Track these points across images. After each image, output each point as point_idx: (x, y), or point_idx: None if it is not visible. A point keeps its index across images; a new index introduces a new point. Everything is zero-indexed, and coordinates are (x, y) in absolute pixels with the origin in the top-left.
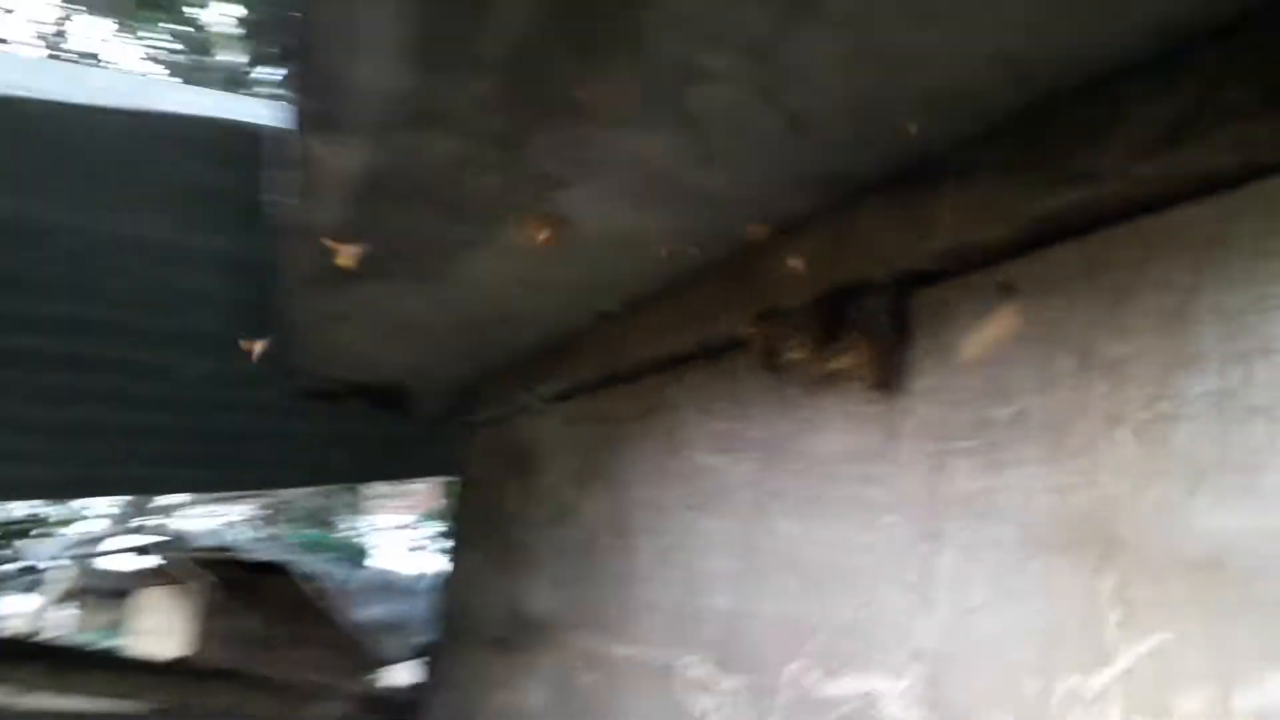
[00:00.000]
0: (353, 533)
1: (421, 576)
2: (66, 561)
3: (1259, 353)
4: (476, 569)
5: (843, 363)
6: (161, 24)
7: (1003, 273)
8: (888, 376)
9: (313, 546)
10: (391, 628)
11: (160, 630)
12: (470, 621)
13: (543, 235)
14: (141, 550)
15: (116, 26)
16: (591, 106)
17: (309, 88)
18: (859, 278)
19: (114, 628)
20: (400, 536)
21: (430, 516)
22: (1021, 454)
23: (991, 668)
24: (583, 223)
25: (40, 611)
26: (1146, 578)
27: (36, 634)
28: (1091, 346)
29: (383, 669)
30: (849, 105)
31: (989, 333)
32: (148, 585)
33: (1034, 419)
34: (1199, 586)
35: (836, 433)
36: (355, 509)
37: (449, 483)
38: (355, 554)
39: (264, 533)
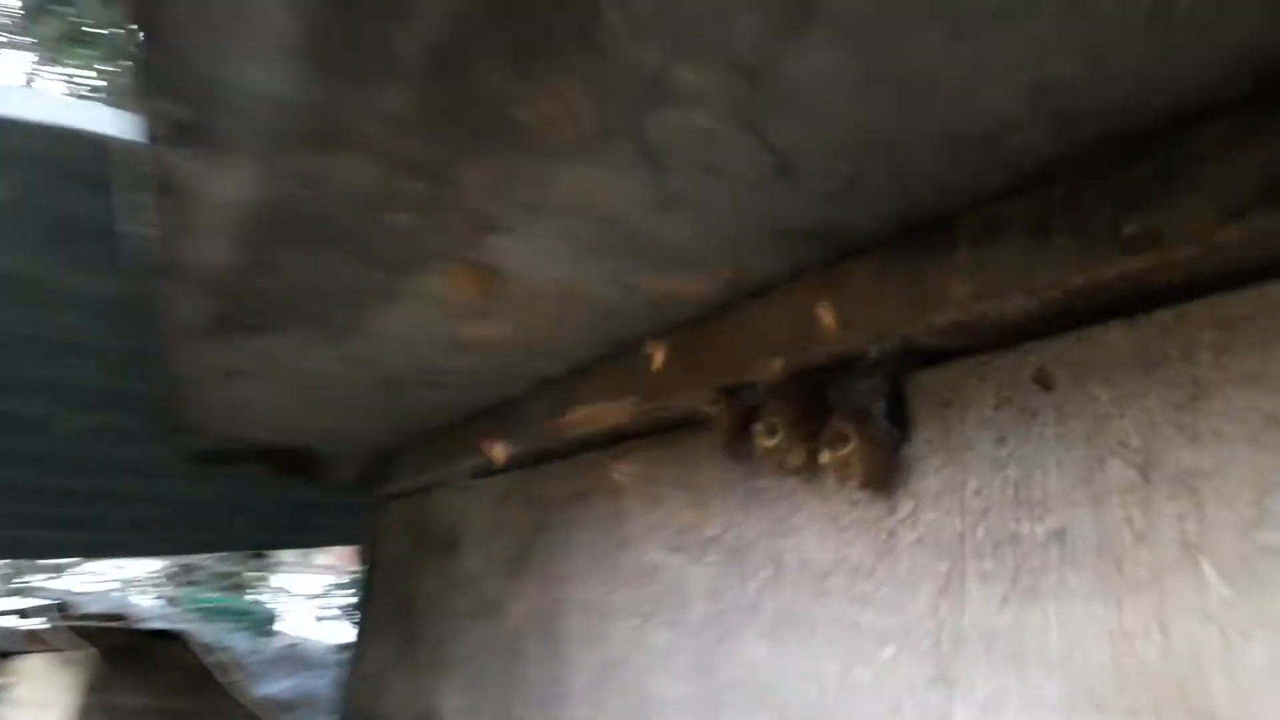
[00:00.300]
0: (261, 599)
1: (335, 648)
2: None
3: None
4: (384, 663)
5: (826, 455)
6: (88, 58)
7: (1034, 356)
8: (883, 474)
9: (216, 613)
10: (300, 704)
11: (39, 703)
12: None
13: (472, 288)
14: (21, 614)
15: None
16: (534, 131)
17: (172, 89)
18: (849, 352)
19: None
20: (313, 603)
21: (347, 583)
22: (1066, 583)
23: None
24: (520, 274)
25: None
26: None
27: None
28: (1155, 454)
29: None
30: (851, 142)
31: (1010, 428)
32: (27, 651)
33: (1079, 541)
34: None
35: (817, 538)
36: (265, 572)
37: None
38: (263, 622)
39: (162, 596)
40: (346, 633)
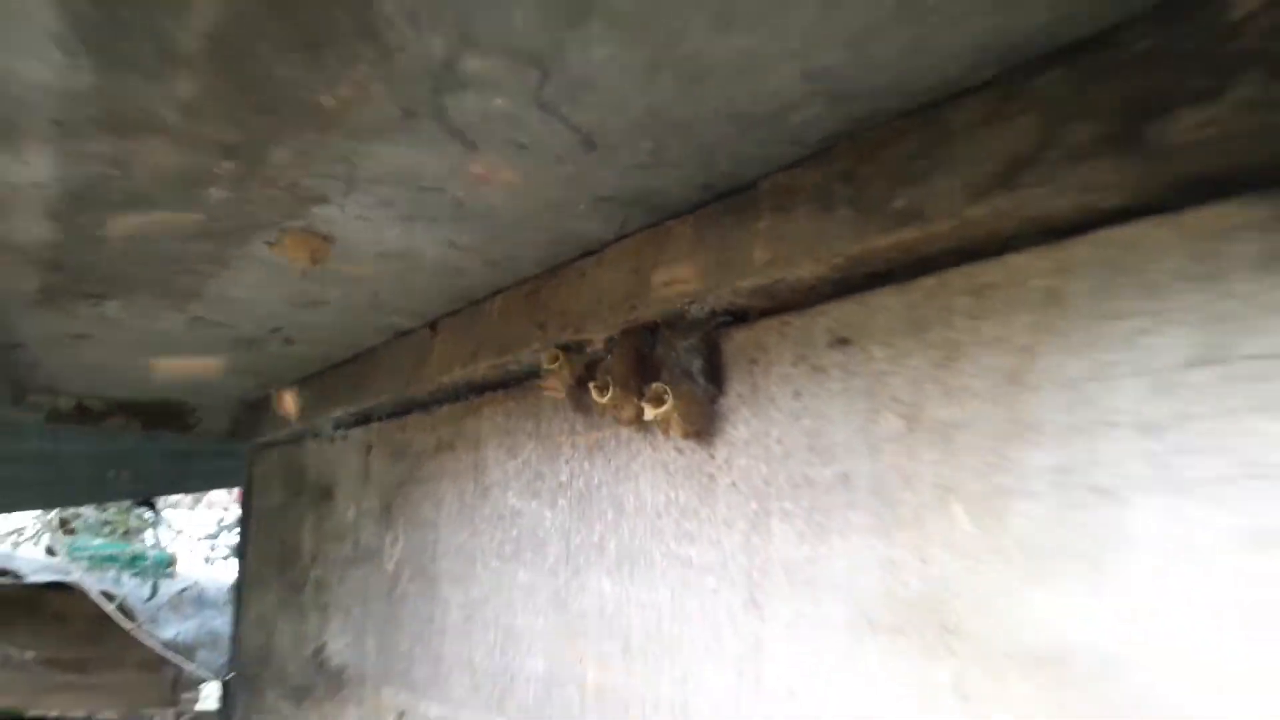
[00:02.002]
0: (151, 543)
1: (231, 586)
2: None
3: (1101, 426)
4: (270, 609)
5: (649, 411)
6: None
7: (826, 319)
8: (700, 426)
9: (106, 560)
10: (203, 644)
11: None
12: (266, 668)
13: (304, 254)
14: None
15: None
16: (335, 113)
17: None
18: (667, 312)
19: None
20: (206, 543)
21: (237, 523)
22: (849, 521)
23: None
24: (351, 240)
25: None
26: (986, 671)
27: None
28: (920, 408)
29: (197, 688)
30: (648, 121)
31: (807, 385)
32: None
33: (859, 484)
34: (1042, 686)
35: (650, 484)
36: (153, 515)
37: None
38: (157, 566)
39: (48, 548)
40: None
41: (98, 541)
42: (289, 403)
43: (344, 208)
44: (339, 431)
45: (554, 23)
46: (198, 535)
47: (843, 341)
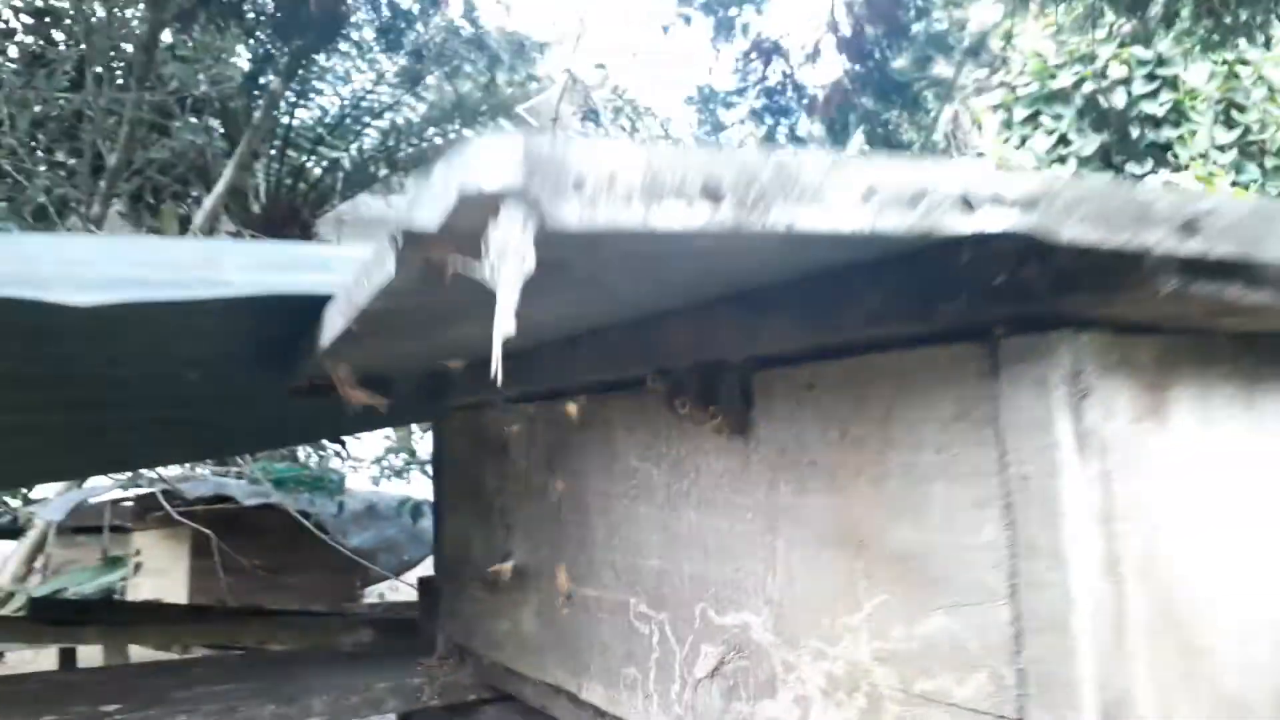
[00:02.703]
0: (328, 467)
1: (402, 501)
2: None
3: None
4: (463, 528)
5: (710, 419)
6: None
7: (807, 374)
8: (742, 427)
9: (295, 483)
10: (381, 550)
11: (159, 570)
12: (463, 567)
13: None
14: (137, 500)
15: None
16: None
17: None
18: (720, 358)
19: (109, 565)
20: (373, 465)
21: (395, 448)
22: (814, 485)
23: (805, 611)
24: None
25: (31, 551)
26: (877, 565)
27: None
28: (848, 426)
29: (376, 586)
30: None
31: (800, 408)
32: (143, 529)
33: (822, 465)
34: (897, 570)
35: (715, 457)
36: (337, 448)
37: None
38: (336, 485)
39: (243, 475)
40: (406, 489)
41: (281, 465)
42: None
43: None
44: (508, 404)
45: None
46: (368, 459)
47: (810, 387)
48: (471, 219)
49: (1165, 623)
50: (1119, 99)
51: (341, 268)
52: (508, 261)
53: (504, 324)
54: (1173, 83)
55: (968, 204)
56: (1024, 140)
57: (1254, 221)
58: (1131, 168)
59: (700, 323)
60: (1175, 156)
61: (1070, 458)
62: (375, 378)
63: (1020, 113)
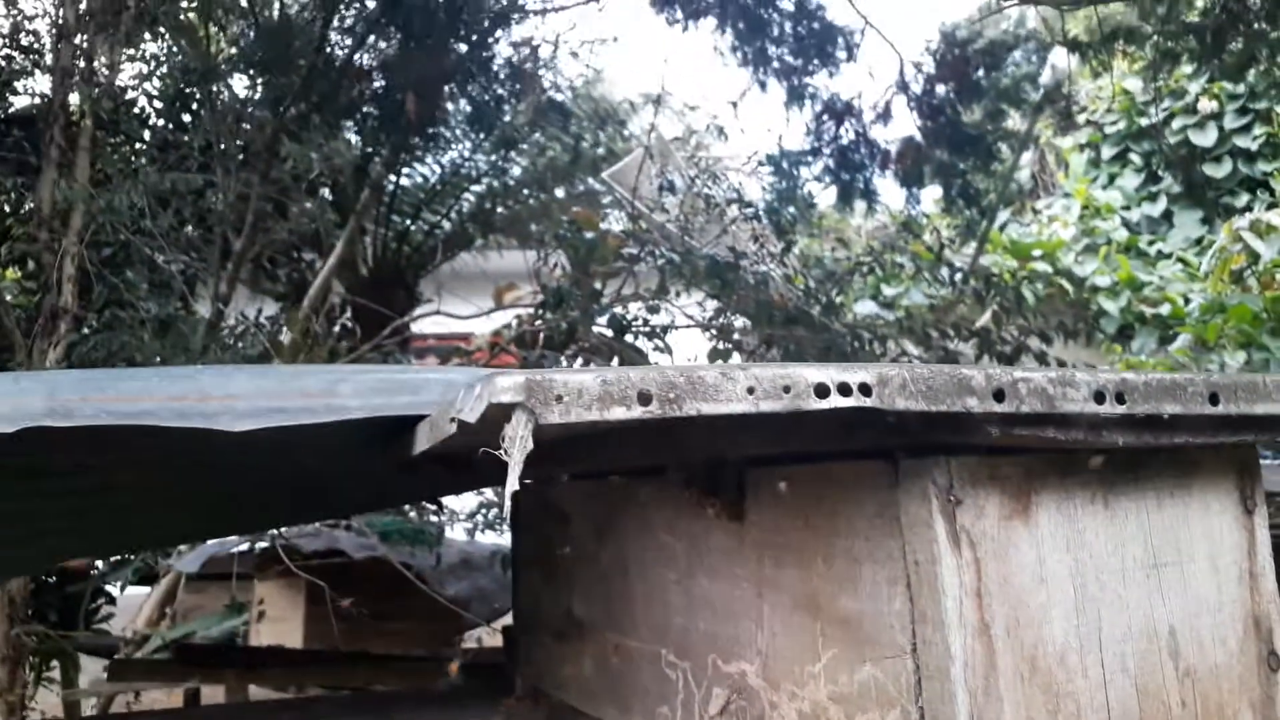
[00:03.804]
0: (426, 520)
1: (493, 552)
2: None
3: None
4: (536, 585)
5: (712, 508)
6: None
7: (782, 474)
8: (738, 514)
9: (397, 534)
10: (474, 599)
11: (278, 617)
12: (536, 619)
13: None
14: (260, 552)
15: None
16: None
17: None
18: (721, 456)
19: (233, 610)
20: (468, 519)
21: (488, 504)
22: (788, 561)
23: (783, 661)
24: None
25: (163, 597)
26: (830, 626)
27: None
28: (809, 516)
29: (471, 631)
30: None
31: (778, 501)
32: (265, 579)
33: (792, 546)
34: (842, 630)
35: (719, 535)
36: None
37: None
38: (434, 537)
39: (351, 527)
40: (496, 541)
41: (386, 519)
42: None
43: None
44: (567, 480)
45: None
46: (462, 513)
47: (784, 484)
48: (495, 417)
49: (1031, 672)
50: (1210, 135)
51: (428, 391)
52: (515, 445)
53: (512, 484)
54: (1266, 116)
55: (823, 390)
56: (1112, 179)
57: (1053, 385)
58: (1227, 202)
59: (707, 428)
60: (1272, 193)
61: (946, 548)
62: (458, 457)
63: (1108, 151)
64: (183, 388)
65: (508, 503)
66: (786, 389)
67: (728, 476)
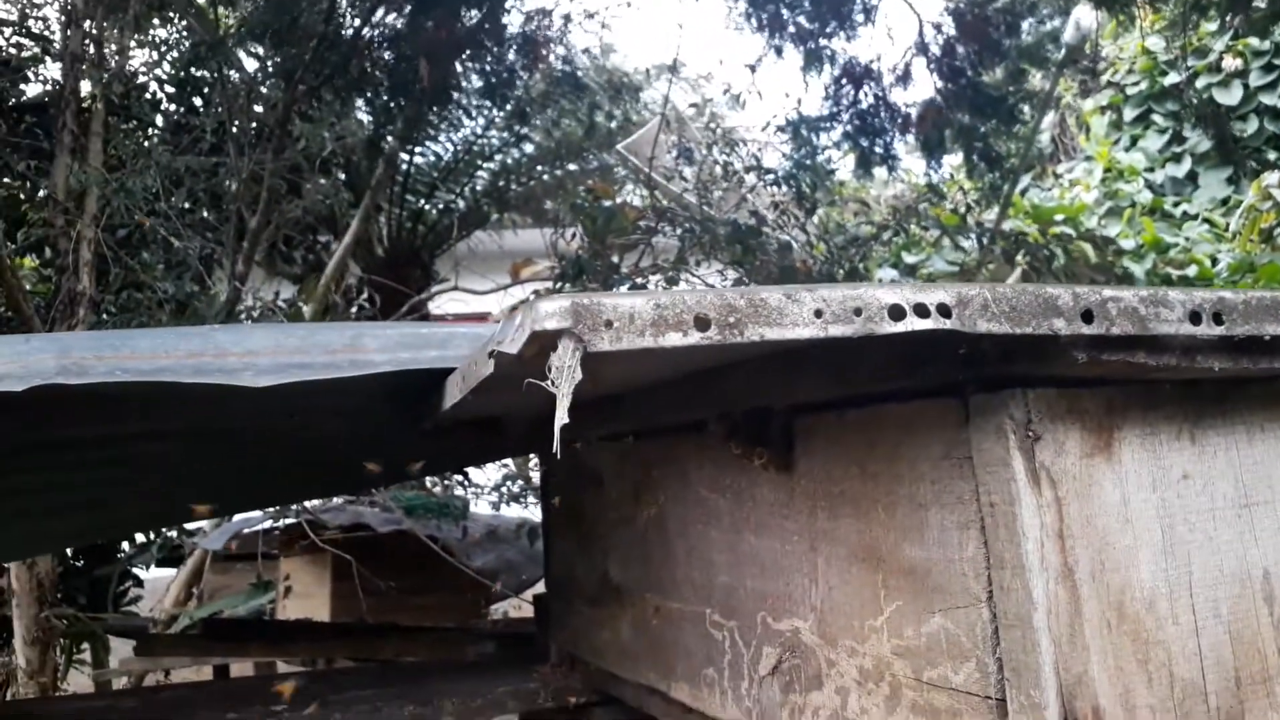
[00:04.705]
0: (453, 494)
1: (520, 524)
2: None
3: None
4: (569, 551)
5: (755, 460)
6: None
7: (834, 420)
8: (786, 465)
9: (422, 509)
10: (501, 570)
11: (304, 594)
12: (570, 585)
13: None
14: (285, 529)
15: None
16: None
17: None
18: (766, 405)
19: (260, 588)
20: (493, 491)
21: (513, 476)
22: (844, 512)
23: (841, 616)
24: None
25: (190, 577)
26: (892, 577)
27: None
28: (865, 463)
29: (497, 604)
30: None
31: (831, 448)
32: (290, 555)
33: (848, 495)
34: (906, 581)
35: (767, 488)
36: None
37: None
38: (460, 510)
39: (380, 506)
40: (523, 513)
41: (411, 494)
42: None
43: None
44: (601, 442)
45: None
46: (487, 485)
47: (836, 430)
48: (540, 346)
49: (1118, 618)
50: (1235, 93)
51: (456, 345)
52: (563, 377)
53: (561, 416)
54: None
55: (898, 312)
56: (1134, 141)
57: (1144, 305)
58: (1254, 160)
59: (752, 375)
60: None
61: (1025, 487)
62: (487, 419)
63: (1130, 113)
64: (199, 344)
65: (556, 438)
66: (858, 311)
67: (774, 426)
